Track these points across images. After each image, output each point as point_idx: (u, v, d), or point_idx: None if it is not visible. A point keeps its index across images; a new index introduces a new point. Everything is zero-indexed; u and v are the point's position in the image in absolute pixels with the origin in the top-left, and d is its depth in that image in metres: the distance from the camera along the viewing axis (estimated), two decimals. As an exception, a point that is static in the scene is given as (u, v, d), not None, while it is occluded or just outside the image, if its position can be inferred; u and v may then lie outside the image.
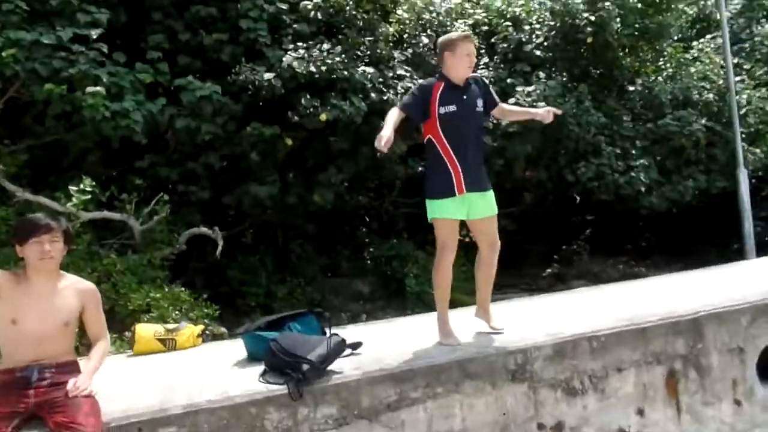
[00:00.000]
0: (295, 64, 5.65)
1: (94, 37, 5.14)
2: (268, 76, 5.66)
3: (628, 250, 10.49)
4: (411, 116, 3.17)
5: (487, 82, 3.42)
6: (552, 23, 7.87)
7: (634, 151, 7.68)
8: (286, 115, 6.09)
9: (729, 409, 3.64)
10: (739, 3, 11.48)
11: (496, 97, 3.41)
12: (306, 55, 5.82)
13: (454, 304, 7.00)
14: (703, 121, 7.86)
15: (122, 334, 4.12)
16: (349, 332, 3.34)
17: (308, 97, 5.85)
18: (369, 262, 7.50)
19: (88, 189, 4.71)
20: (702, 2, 12.07)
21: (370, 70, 6.07)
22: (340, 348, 2.96)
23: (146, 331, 3.84)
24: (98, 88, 4.94)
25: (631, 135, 7.83)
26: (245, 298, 6.16)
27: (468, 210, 3.27)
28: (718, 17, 11.50)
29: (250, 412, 2.63)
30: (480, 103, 3.24)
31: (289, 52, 5.81)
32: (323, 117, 5.71)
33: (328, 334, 3.34)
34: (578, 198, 9.33)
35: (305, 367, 2.74)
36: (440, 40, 3.36)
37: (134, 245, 5.31)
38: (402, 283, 6.96)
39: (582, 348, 3.28)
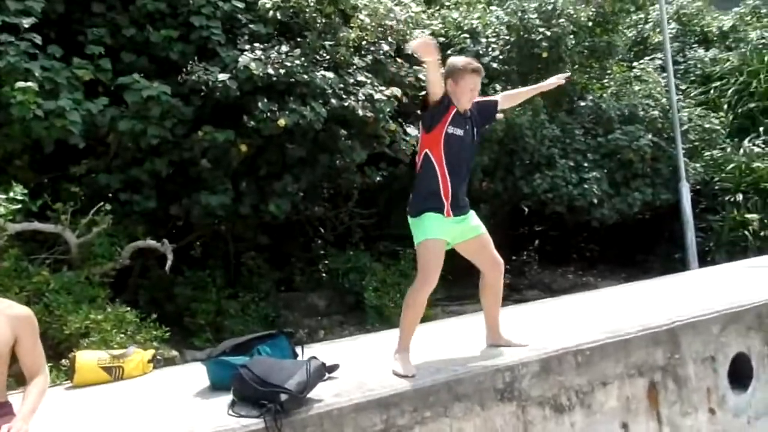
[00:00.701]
0: (252, 65, 5.31)
1: (26, 26, 4.61)
2: (222, 77, 5.29)
3: (574, 259, 10.73)
4: (437, 102, 2.97)
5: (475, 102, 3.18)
6: (508, 37, 7.94)
7: (586, 164, 7.84)
8: (240, 120, 5.72)
9: (704, 417, 3.65)
10: (675, 28, 12.14)
11: (490, 99, 3.36)
12: (263, 56, 5.49)
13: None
14: (649, 137, 8.15)
15: (58, 362, 3.63)
16: (316, 352, 3.06)
17: (265, 100, 5.52)
18: (324, 275, 7.19)
19: (18, 197, 4.17)
20: (641, 26, 12.73)
21: (330, 75, 5.82)
22: (320, 373, 2.69)
23: (88, 358, 3.40)
24: (30, 84, 4.42)
25: (583, 148, 7.99)
26: (194, 317, 5.70)
27: (454, 236, 3.10)
28: (656, 40, 12.20)
29: (221, 452, 2.31)
30: (476, 132, 3.17)
31: (245, 53, 5.47)
32: (282, 122, 5.40)
33: (301, 357, 3.07)
34: (527, 209, 9.46)
35: (283, 396, 2.45)
36: (448, 62, 3.15)
37: (70, 260, 4.78)
38: (360, 297, 6.70)
39: (568, 363, 3.18)
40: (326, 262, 7.23)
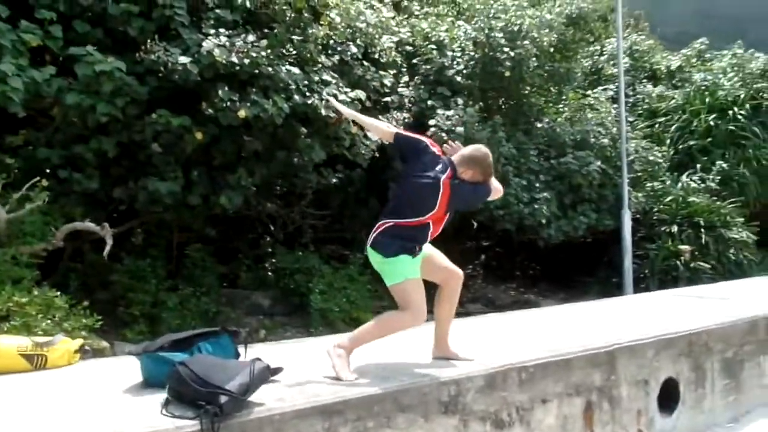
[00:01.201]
0: (215, 51, 5.13)
1: (-30, -19, 4.29)
2: (183, 60, 5.09)
3: (517, 276, 11.01)
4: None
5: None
6: (473, 53, 8.06)
7: (537, 185, 8.04)
8: (197, 107, 5.53)
9: (633, 440, 3.77)
10: (627, 63, 12.71)
11: None
12: (228, 43, 5.32)
13: (359, 323, 6.79)
14: (598, 164, 8.47)
15: (-26, 345, 3.34)
16: (259, 353, 2.95)
17: (226, 89, 5.35)
18: (271, 273, 7.04)
19: (-56, 165, 3.85)
20: (597, 57, 13.29)
21: (295, 70, 5.71)
22: (263, 376, 2.59)
23: (7, 344, 3.16)
24: (-32, 43, 4.11)
25: (536, 169, 8.20)
26: (129, 307, 5.43)
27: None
28: (609, 72, 12.75)
29: (151, 454, 2.17)
30: None
31: (209, 38, 5.28)
32: (242, 113, 5.24)
33: (244, 357, 2.96)
34: (476, 224, 9.63)
35: (223, 398, 2.34)
36: (473, 151, 3.16)
37: (-4, 237, 4.45)
38: (305, 299, 6.60)
39: (512, 379, 3.21)
40: (274, 260, 7.09)
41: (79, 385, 2.91)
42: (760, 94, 11.38)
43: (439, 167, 3.05)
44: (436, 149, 3.17)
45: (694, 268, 8.65)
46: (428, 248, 3.21)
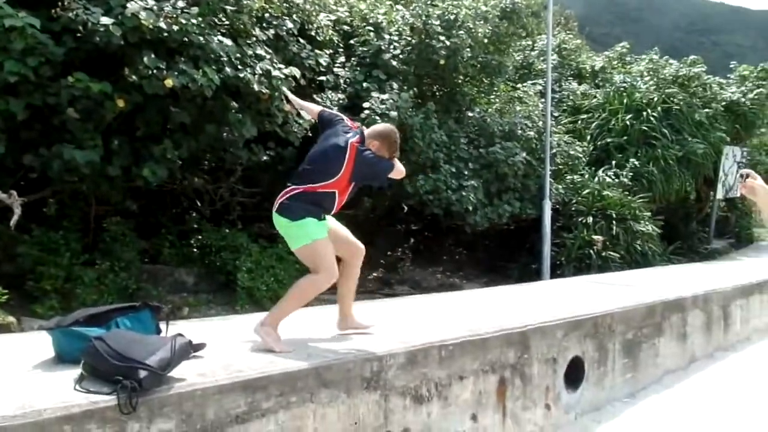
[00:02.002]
0: (141, 14, 4.86)
1: None
2: (105, 20, 4.78)
3: (444, 261, 11.34)
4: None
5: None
6: (410, 38, 8.13)
7: (466, 172, 8.29)
8: (118, 72, 5.23)
9: (541, 412, 4.05)
10: (555, 60, 13.27)
11: None
12: (156, 7, 5.05)
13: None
14: (524, 155, 8.84)
15: None
16: (182, 330, 2.90)
17: (152, 56, 5.09)
18: (195, 250, 6.85)
19: None
20: (528, 52, 13.77)
21: (228, 42, 5.53)
22: (185, 351, 2.56)
23: None
24: None
25: (466, 157, 8.45)
26: (39, 281, 5.12)
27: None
28: (539, 68, 13.27)
29: (63, 431, 2.09)
30: None
31: (135, 0, 5.00)
32: (169, 82, 5.01)
33: (165, 334, 2.90)
34: (406, 208, 9.83)
35: (142, 373, 2.29)
36: (383, 127, 3.41)
37: None
38: (231, 277, 6.49)
39: (432, 356, 3.34)
40: (199, 237, 6.90)
41: (-18, 361, 2.74)
42: (671, 98, 12.26)
43: (349, 134, 3.26)
44: (350, 124, 3.39)
45: (605, 257, 9.27)
46: (332, 222, 3.32)
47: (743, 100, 13.87)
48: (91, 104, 5.04)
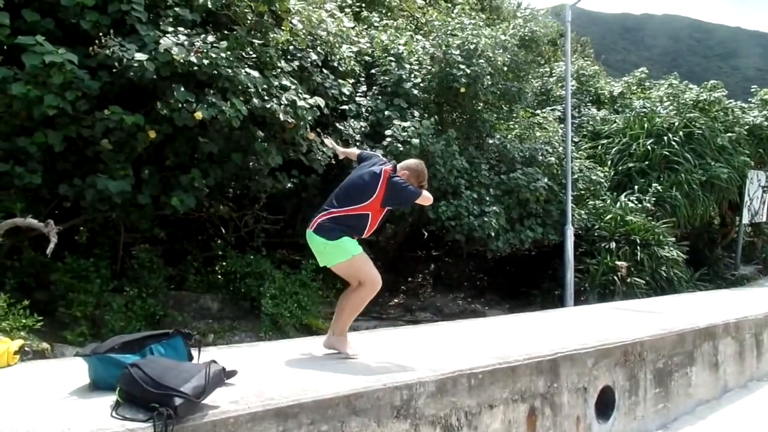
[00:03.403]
0: (174, 50, 5.05)
1: None
2: (140, 56, 4.97)
3: (465, 287, 11.27)
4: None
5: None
6: (430, 67, 8.26)
7: (488, 198, 8.30)
8: (150, 105, 5.41)
9: (572, 445, 3.96)
10: (573, 86, 13.34)
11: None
12: (187, 42, 5.25)
13: (309, 329, 6.78)
14: (545, 180, 8.83)
15: None
16: (213, 356, 2.93)
17: (182, 89, 5.26)
18: (220, 277, 6.92)
19: None
20: (546, 78, 13.87)
21: (255, 74, 5.69)
22: (218, 378, 2.59)
23: (-58, 343, 2.99)
24: None
25: (487, 183, 8.47)
26: (70, 308, 5.22)
27: None
28: (557, 94, 13.34)
29: (102, 457, 2.12)
30: None
31: (167, 35, 5.19)
32: (199, 115, 5.16)
33: (197, 360, 2.93)
34: (426, 234, 9.83)
35: (178, 401, 2.31)
36: (413, 161, 3.81)
37: (-73, 230, 4.19)
38: (256, 303, 6.53)
39: (462, 385, 3.31)
40: (224, 263, 6.97)
41: (21, 387, 2.80)
42: (692, 122, 12.19)
43: (382, 163, 3.67)
44: (384, 160, 3.79)
45: (630, 283, 9.13)
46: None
47: (766, 123, 13.72)
48: (124, 136, 5.21)
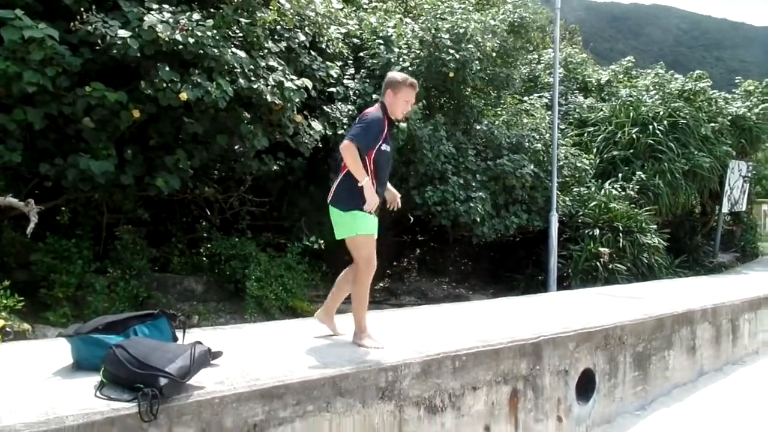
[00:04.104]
0: (158, 27, 4.94)
1: None
2: (123, 33, 4.86)
3: (450, 271, 11.34)
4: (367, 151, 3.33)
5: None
6: (419, 51, 8.20)
7: (474, 184, 8.32)
8: (134, 83, 5.31)
9: (553, 424, 4.04)
10: (561, 73, 13.36)
11: None
12: (172, 20, 5.14)
13: (294, 312, 6.79)
14: (531, 167, 8.87)
15: None
16: (198, 338, 2.93)
17: (167, 69, 5.16)
18: (205, 259, 6.88)
19: None
20: (534, 65, 13.86)
21: (242, 54, 5.60)
22: (203, 359, 2.59)
23: None
24: None
25: (474, 169, 8.48)
26: (52, 289, 5.15)
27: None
28: (545, 81, 13.35)
29: (86, 437, 2.12)
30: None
31: (151, 12, 5.07)
32: (184, 96, 5.07)
33: (181, 342, 2.92)
34: (412, 219, 9.85)
35: (163, 381, 2.31)
36: (389, 74, 3.60)
37: None
38: (240, 285, 6.52)
39: (446, 367, 3.35)
40: (209, 245, 6.93)
41: (3, 368, 2.77)
42: (677, 112, 12.30)
43: None
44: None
45: (612, 269, 9.25)
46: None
47: (749, 114, 13.90)
48: (106, 114, 5.11)
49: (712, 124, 12.84)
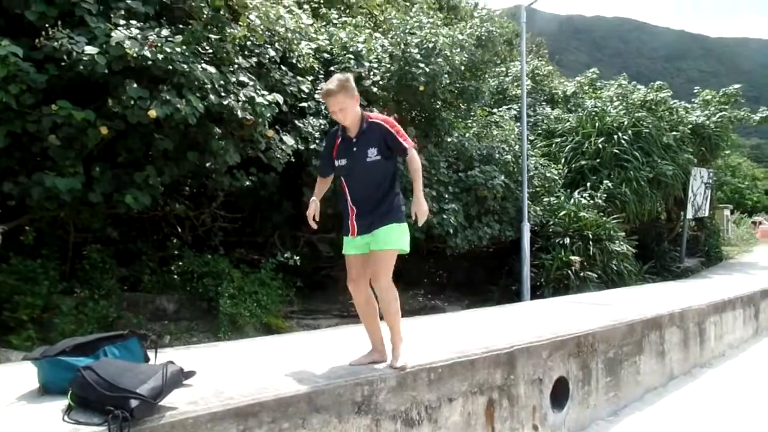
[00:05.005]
0: (126, 43, 4.89)
1: None
2: (90, 50, 4.79)
3: (425, 284, 11.39)
4: (327, 175, 3.41)
5: (388, 128, 3.23)
6: (389, 65, 8.29)
7: (446, 195, 8.41)
8: (102, 100, 5.23)
9: (528, 434, 4.08)
10: (529, 85, 13.68)
11: (400, 144, 3.22)
12: (140, 36, 5.09)
13: (269, 329, 6.72)
14: (502, 178, 9.02)
15: None
16: (169, 357, 2.88)
17: (135, 86, 5.11)
18: (176, 277, 6.76)
19: None
20: (502, 78, 14.15)
21: (212, 69, 5.58)
22: (176, 379, 2.54)
23: None
24: None
25: (446, 181, 8.58)
26: (16, 311, 4.99)
27: (363, 249, 3.30)
28: (513, 93, 13.64)
29: (55, 463, 2.06)
30: (373, 152, 3.18)
31: (119, 29, 5.02)
32: (153, 113, 5.02)
33: (153, 362, 2.87)
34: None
35: (134, 402, 2.27)
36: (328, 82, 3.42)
37: None
38: (214, 303, 6.42)
39: (422, 379, 3.37)
40: (180, 263, 6.82)
41: (-37, 395, 2.67)
42: (640, 121, 12.70)
43: None
44: None
45: (583, 277, 9.44)
46: (374, 246, 3.26)
47: (708, 123, 14.44)
48: (73, 132, 5.02)
49: (674, 133, 13.28)
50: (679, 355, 6.29)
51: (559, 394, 4.41)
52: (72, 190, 4.98)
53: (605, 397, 4.96)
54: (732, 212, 25.52)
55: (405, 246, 3.29)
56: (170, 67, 5.17)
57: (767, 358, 7.29)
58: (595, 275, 9.56)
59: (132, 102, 5.07)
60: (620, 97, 13.87)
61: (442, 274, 11.81)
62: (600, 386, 4.89)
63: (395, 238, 3.24)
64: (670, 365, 6.08)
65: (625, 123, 12.58)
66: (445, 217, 8.11)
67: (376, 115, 3.34)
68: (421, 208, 3.19)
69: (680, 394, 5.67)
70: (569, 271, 9.47)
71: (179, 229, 7.17)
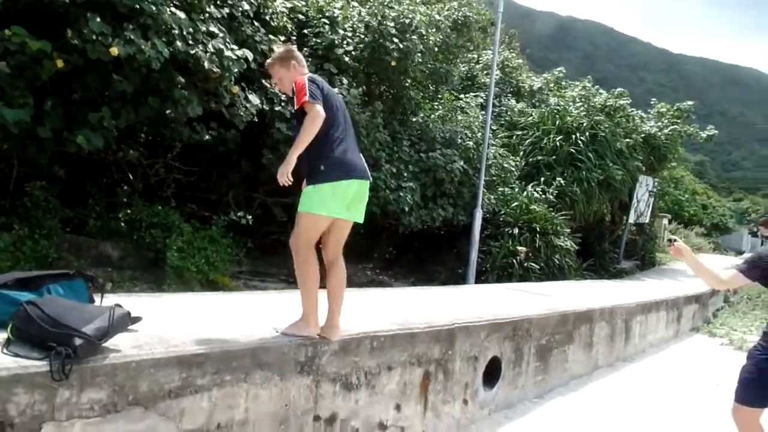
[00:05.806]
0: (93, -26, 4.66)
1: None
2: (52, -25, 4.54)
3: (374, 258, 11.53)
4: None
5: (295, 89, 3.25)
6: (364, 36, 8.22)
7: (406, 174, 8.50)
8: (61, 31, 4.97)
9: (459, 407, 4.29)
10: (498, 75, 13.85)
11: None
12: (108, -31, 4.85)
13: (215, 286, 6.69)
14: (461, 163, 9.18)
15: None
16: (115, 302, 2.86)
17: (98, 20, 4.88)
18: (124, 224, 6.58)
19: None
20: (473, 65, 14.25)
21: (181, 15, 5.38)
22: (123, 323, 2.55)
23: None
24: None
25: (407, 159, 8.66)
26: (-52, 242, 4.77)
27: None
28: (481, 81, 13.78)
29: (-11, 393, 2.04)
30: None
31: (86, -42, 4.76)
32: (114, 51, 4.81)
33: (98, 303, 2.85)
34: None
35: (78, 341, 2.26)
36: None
37: None
38: (160, 254, 6.31)
39: (364, 346, 3.47)
40: (129, 211, 6.64)
41: None
42: (598, 125, 13.13)
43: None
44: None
45: (527, 267, 9.80)
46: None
47: (659, 134, 15.09)
48: (26, 61, 4.75)
49: (627, 140, 13.82)
50: (605, 348, 6.69)
51: (492, 374, 4.64)
52: (20, 122, 4.74)
53: (533, 380, 5.25)
54: (670, 221, 26.87)
55: (317, 210, 3.17)
56: (137, 5, 4.96)
57: (683, 357, 7.85)
58: (538, 267, 9.94)
59: (93, 37, 4.85)
60: (582, 99, 14.27)
61: (392, 251, 11.97)
62: (530, 369, 5.17)
63: (305, 201, 3.19)
64: (596, 356, 6.47)
65: (584, 124, 12.98)
66: (401, 194, 8.20)
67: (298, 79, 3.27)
68: (282, 168, 3.06)
69: (602, 383, 6.06)
70: (514, 260, 9.81)
71: (131, 176, 6.96)
